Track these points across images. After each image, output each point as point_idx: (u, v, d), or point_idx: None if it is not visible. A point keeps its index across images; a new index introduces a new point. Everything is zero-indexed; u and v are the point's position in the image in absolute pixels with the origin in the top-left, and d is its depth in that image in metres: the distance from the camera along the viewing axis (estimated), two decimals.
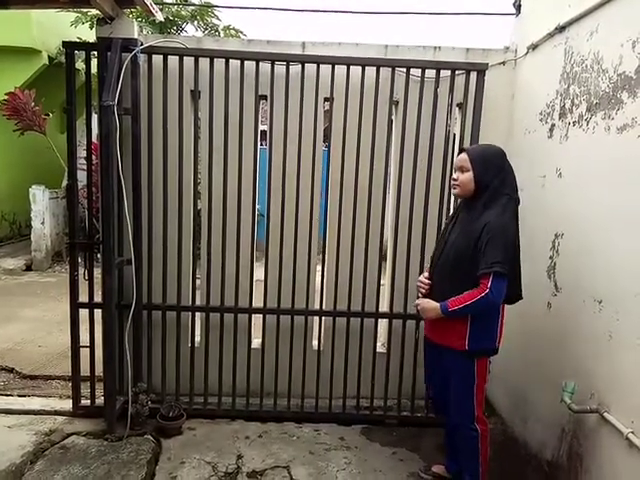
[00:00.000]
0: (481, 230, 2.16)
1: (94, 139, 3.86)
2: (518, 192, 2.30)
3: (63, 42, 2.96)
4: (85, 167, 3.16)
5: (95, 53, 2.94)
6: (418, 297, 2.47)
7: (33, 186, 7.78)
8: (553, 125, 2.77)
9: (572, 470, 2.43)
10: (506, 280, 2.15)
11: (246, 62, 2.98)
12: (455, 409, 2.42)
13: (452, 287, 2.26)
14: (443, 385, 2.47)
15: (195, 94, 3.06)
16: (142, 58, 2.93)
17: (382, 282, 3.30)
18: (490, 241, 2.13)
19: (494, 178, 2.22)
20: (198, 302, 3.26)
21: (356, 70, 2.99)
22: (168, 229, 3.12)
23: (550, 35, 2.81)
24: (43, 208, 7.79)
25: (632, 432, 2.00)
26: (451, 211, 3.20)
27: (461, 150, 2.37)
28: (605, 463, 2.20)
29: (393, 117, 3.20)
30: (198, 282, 3.30)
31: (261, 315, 3.25)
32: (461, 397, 2.37)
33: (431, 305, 2.32)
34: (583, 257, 2.42)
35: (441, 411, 2.56)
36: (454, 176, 2.36)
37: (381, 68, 3.00)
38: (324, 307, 3.29)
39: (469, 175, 2.26)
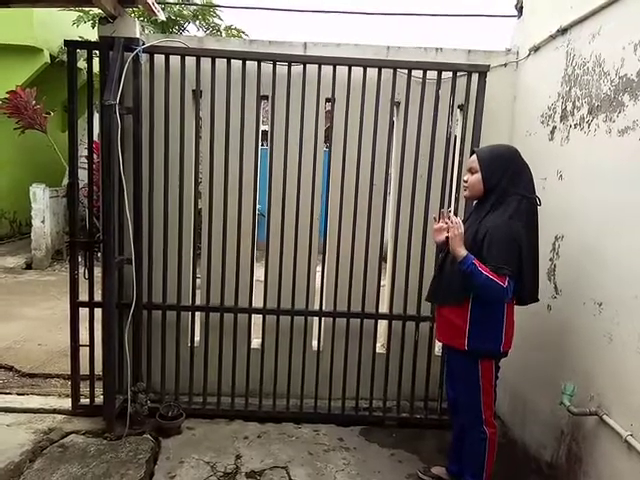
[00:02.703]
0: (484, 234, 2.17)
1: (95, 138, 3.86)
2: (535, 192, 2.27)
3: (65, 41, 2.96)
4: (86, 166, 3.16)
5: (97, 52, 2.95)
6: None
7: (34, 184, 7.79)
8: (554, 127, 2.77)
9: (571, 472, 2.43)
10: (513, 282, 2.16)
11: (248, 62, 2.99)
12: (463, 410, 2.43)
13: (455, 282, 2.27)
14: (452, 385, 2.50)
15: (197, 94, 3.07)
16: (144, 57, 2.93)
17: (382, 283, 3.30)
18: (492, 244, 2.13)
19: (502, 178, 2.21)
20: (198, 302, 3.26)
21: (358, 71, 2.99)
22: (169, 228, 3.12)
23: (552, 37, 2.81)
24: (43, 206, 7.80)
25: (631, 435, 2.00)
26: (452, 212, 3.21)
27: (472, 152, 2.38)
28: (604, 466, 2.20)
29: (394, 118, 3.20)
30: (198, 282, 3.30)
31: (261, 315, 3.25)
32: (468, 399, 2.37)
33: (460, 242, 2.19)
34: (583, 259, 2.42)
35: (455, 411, 2.55)
36: (464, 178, 2.37)
37: (383, 69, 3.00)
38: (324, 308, 3.29)
39: (478, 176, 2.26)
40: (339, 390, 3.26)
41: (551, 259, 2.70)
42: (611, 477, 2.15)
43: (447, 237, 2.28)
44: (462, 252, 2.18)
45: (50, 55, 8.17)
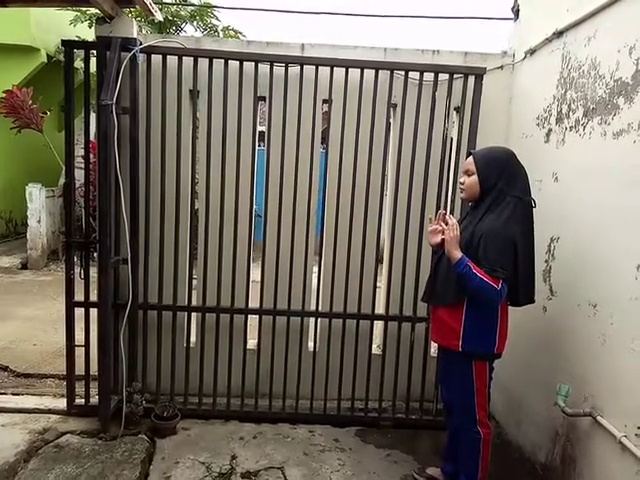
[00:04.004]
0: (480, 236, 2.17)
1: (92, 138, 3.86)
2: (531, 193, 2.28)
3: (62, 41, 2.96)
4: (83, 166, 3.16)
5: (94, 52, 2.95)
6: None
7: (30, 184, 7.76)
8: (550, 130, 2.79)
9: (565, 473, 2.44)
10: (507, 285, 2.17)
11: (245, 63, 2.99)
12: (457, 411, 2.43)
13: (450, 283, 2.28)
14: (447, 386, 2.51)
15: (194, 94, 3.07)
16: (141, 58, 2.93)
17: (378, 284, 3.30)
18: (488, 246, 2.14)
19: (499, 180, 2.21)
20: (194, 302, 3.25)
21: (355, 72, 3.00)
22: (165, 229, 3.11)
23: (548, 40, 2.82)
24: (39, 206, 7.77)
25: (625, 436, 2.01)
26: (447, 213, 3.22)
27: (469, 154, 2.39)
28: (598, 466, 2.21)
29: (391, 120, 3.21)
30: (195, 282, 3.30)
31: (257, 316, 3.26)
32: (462, 399, 2.37)
33: (455, 244, 2.21)
34: (578, 261, 2.43)
35: (450, 412, 2.55)
36: (460, 180, 2.37)
37: (380, 71, 3.01)
38: (320, 308, 3.29)
39: (474, 178, 2.27)
40: (335, 391, 3.27)
41: (546, 260, 2.71)
42: (605, 478, 2.16)
43: (442, 239, 2.30)
44: (457, 254, 2.19)
45: (47, 55, 8.16)
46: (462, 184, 2.35)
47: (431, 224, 2.43)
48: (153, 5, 3.06)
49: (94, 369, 3.04)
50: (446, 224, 2.29)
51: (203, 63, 2.98)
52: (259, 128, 3.30)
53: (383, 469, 2.81)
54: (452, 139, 3.23)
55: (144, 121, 3.01)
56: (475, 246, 2.19)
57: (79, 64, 3.26)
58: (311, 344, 3.37)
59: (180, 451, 2.84)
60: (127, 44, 2.86)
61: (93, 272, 2.99)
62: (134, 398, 3.01)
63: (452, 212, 3.16)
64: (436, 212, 3.02)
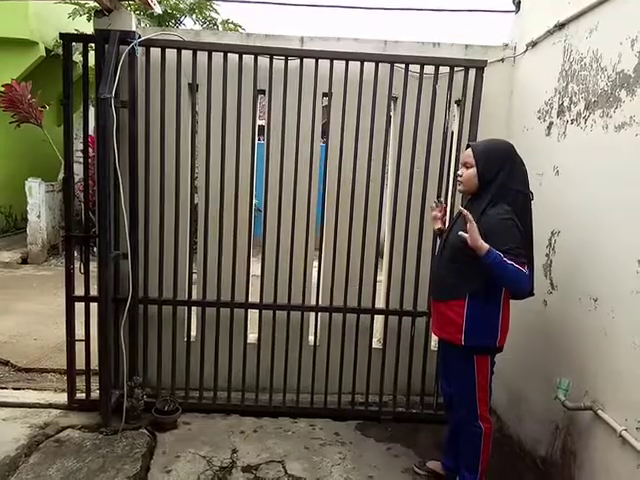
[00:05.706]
0: (485, 228, 2.12)
1: (91, 132, 3.84)
2: (529, 187, 2.27)
3: (60, 34, 2.94)
4: (82, 160, 3.14)
5: (93, 45, 2.93)
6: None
7: (29, 179, 7.76)
8: (551, 123, 2.77)
9: (566, 466, 2.45)
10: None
11: (244, 56, 2.97)
12: (458, 405, 2.43)
13: (451, 277, 2.29)
14: (448, 380, 2.50)
15: (193, 88, 3.05)
16: (140, 51, 2.92)
17: (379, 278, 3.30)
18: (506, 235, 2.11)
19: (498, 173, 2.20)
20: (194, 296, 3.25)
21: (355, 65, 2.98)
22: (165, 223, 3.11)
23: (549, 33, 2.80)
24: (39, 201, 7.77)
25: (625, 429, 2.01)
26: (448, 207, 3.20)
27: (468, 146, 2.37)
28: (598, 460, 2.21)
29: (391, 113, 3.20)
30: (195, 276, 3.30)
31: (257, 310, 3.26)
32: (463, 393, 2.37)
33: (478, 236, 2.09)
34: (579, 255, 2.43)
35: (451, 406, 2.54)
36: (459, 172, 2.35)
37: (380, 64, 2.99)
38: (320, 303, 3.29)
39: (472, 171, 2.25)
40: (335, 385, 3.27)
41: (547, 254, 2.70)
42: (605, 471, 2.16)
43: (439, 228, 2.40)
44: (484, 245, 2.08)
45: (45, 48, 8.11)
46: (460, 176, 2.33)
47: (433, 210, 2.60)
48: None
49: (95, 364, 3.04)
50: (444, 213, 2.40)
51: (202, 56, 2.96)
52: (259, 122, 3.29)
53: (384, 463, 2.82)
54: (453, 132, 3.22)
55: (143, 115, 2.99)
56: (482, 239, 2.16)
57: (78, 58, 3.24)
58: (311, 338, 3.37)
59: (181, 445, 2.85)
60: (126, 37, 2.84)
61: (93, 267, 2.98)
62: (135, 392, 3.02)
63: (452, 205, 3.16)
64: (434, 200, 3.02)
